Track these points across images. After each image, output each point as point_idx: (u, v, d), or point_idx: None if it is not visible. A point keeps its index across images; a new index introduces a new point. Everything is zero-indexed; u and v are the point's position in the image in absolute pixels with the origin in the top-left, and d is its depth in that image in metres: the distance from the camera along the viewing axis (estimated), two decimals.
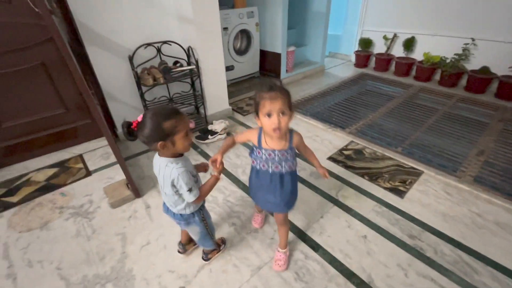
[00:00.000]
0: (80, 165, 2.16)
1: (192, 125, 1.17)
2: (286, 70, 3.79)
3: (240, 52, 3.59)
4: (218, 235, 1.50)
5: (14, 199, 1.84)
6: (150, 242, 1.50)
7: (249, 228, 1.57)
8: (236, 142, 1.20)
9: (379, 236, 1.51)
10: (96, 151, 2.33)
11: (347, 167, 2.06)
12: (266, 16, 3.50)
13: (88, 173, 2.07)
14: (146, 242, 1.50)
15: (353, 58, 4.61)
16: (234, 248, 1.46)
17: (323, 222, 1.60)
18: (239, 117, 2.92)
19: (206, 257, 1.37)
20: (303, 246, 1.45)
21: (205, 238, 1.22)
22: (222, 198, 1.79)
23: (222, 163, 1.07)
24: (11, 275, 1.34)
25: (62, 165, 2.16)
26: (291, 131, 1.11)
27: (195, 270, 1.35)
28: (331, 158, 2.17)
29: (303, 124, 2.72)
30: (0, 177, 2.05)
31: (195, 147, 2.35)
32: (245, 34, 3.53)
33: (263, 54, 3.80)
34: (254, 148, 1.13)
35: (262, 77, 3.96)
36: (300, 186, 1.88)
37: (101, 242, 1.51)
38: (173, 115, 0.92)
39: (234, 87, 3.58)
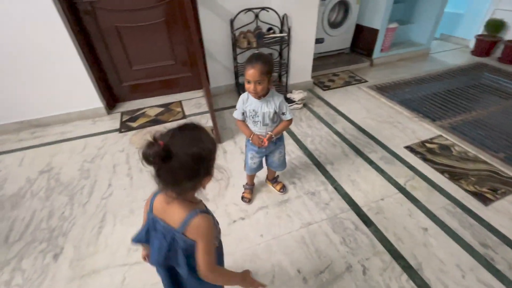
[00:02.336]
0: (179, 109, 2.64)
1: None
2: (381, 49, 3.47)
3: (334, 25, 3.44)
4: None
5: (134, 124, 2.43)
6: (222, 179, 1.80)
7: (307, 189, 1.70)
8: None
9: (442, 233, 1.42)
10: (192, 100, 2.78)
11: (425, 159, 1.90)
12: None
13: (184, 116, 2.52)
14: (220, 178, 1.81)
15: (471, 43, 3.83)
16: (291, 202, 1.62)
17: (382, 204, 1.59)
18: (318, 91, 2.92)
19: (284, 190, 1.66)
20: (355, 218, 1.51)
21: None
22: (288, 159, 1.95)
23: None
24: (129, 175, 1.87)
25: (166, 107, 2.69)
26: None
27: (254, 209, 1.59)
28: (408, 147, 2.02)
29: (385, 108, 2.55)
30: (126, 107, 2.71)
31: None
32: (343, 5, 3.34)
33: (359, 29, 3.55)
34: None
35: (353, 53, 3.74)
36: (366, 166, 1.87)
37: None
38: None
39: (320, 60, 3.52)
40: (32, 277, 1.27)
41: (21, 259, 1.35)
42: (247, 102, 1.28)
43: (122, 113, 2.60)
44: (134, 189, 1.75)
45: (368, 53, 3.52)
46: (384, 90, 2.87)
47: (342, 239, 1.40)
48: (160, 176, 0.59)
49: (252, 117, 1.29)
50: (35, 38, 2.04)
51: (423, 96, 2.75)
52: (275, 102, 1.26)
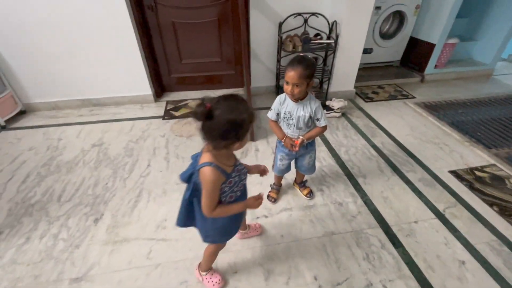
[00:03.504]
0: None
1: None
2: (436, 65, 3.24)
3: (386, 36, 3.31)
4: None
5: (176, 114, 2.60)
6: (250, 176, 1.84)
7: (335, 199, 1.66)
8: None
9: (482, 270, 1.28)
10: None
11: (472, 188, 1.73)
12: None
13: None
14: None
15: None
16: (316, 209, 1.60)
17: (415, 227, 1.49)
18: (360, 101, 2.83)
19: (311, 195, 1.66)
20: (383, 237, 1.43)
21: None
22: (318, 166, 1.92)
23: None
24: (167, 159, 2.00)
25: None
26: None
27: (278, 209, 1.60)
28: (454, 172, 1.86)
29: (432, 128, 2.37)
30: (172, 97, 2.91)
31: None
32: (398, 16, 3.20)
33: (412, 42, 3.35)
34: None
35: (403, 68, 3.55)
36: (402, 185, 1.77)
37: None
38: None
39: (366, 71, 3.41)
40: (75, 235, 1.44)
41: (68, 218, 1.54)
42: (283, 104, 1.30)
43: (167, 102, 2.79)
44: (169, 172, 1.87)
45: (420, 68, 3.31)
46: (433, 108, 2.68)
47: (365, 255, 1.34)
48: (202, 130, 0.75)
49: (287, 120, 1.31)
50: (103, 25, 2.30)
51: (479, 120, 2.50)
52: (311, 106, 1.26)
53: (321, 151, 2.07)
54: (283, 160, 1.48)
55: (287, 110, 1.29)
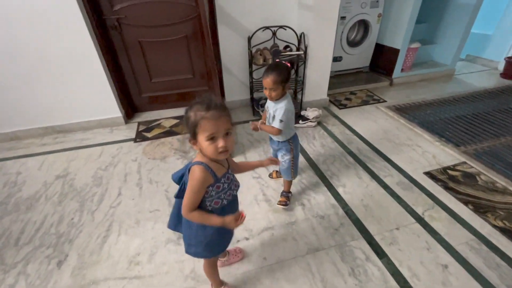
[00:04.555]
0: None
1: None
2: (402, 69, 3.38)
3: (353, 43, 3.42)
4: (286, 209, 1.64)
5: (149, 135, 2.49)
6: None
7: (316, 212, 1.63)
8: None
9: (465, 272, 1.29)
10: None
11: (447, 188, 1.77)
12: (392, 6, 3.17)
13: None
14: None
15: (501, 65, 3.65)
16: (298, 225, 1.56)
17: (397, 234, 1.48)
18: (334, 109, 2.87)
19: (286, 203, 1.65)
20: (366, 248, 1.41)
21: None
22: (298, 179, 1.89)
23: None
24: (139, 185, 1.89)
25: (181, 118, 2.74)
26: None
27: (260, 229, 1.53)
28: (428, 174, 1.90)
29: (404, 130, 2.44)
30: (143, 117, 2.79)
31: None
32: (363, 25, 3.33)
33: (378, 48, 3.50)
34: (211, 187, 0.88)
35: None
36: (381, 191, 1.77)
37: None
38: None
39: (337, 78, 3.49)
40: (35, 283, 1.29)
41: (27, 264, 1.38)
42: (267, 101, 1.44)
43: (139, 123, 2.68)
44: (142, 199, 1.76)
45: (388, 72, 3.44)
46: (403, 111, 2.77)
47: (351, 270, 1.31)
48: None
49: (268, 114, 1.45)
50: (63, 48, 2.17)
51: (446, 119, 2.61)
52: (278, 106, 1.35)
53: (300, 162, 2.05)
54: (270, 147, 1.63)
55: (266, 105, 1.45)
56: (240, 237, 1.48)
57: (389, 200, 1.70)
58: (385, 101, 3.01)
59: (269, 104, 1.41)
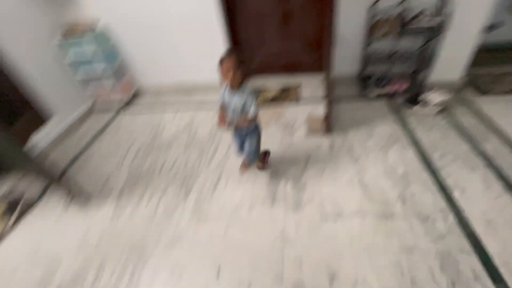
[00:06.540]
0: (296, 91, 2.72)
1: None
2: None
3: None
4: None
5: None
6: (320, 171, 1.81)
7: (419, 212, 1.48)
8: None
9: None
10: (311, 83, 2.80)
11: None
12: None
13: (297, 99, 2.60)
14: (321, 170, 1.82)
15: None
16: (394, 220, 1.47)
17: None
18: (471, 94, 2.30)
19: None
20: (478, 268, 1.22)
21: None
22: (402, 170, 1.72)
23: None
24: None
25: (285, 87, 2.83)
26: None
27: (351, 211, 1.53)
28: None
29: None
30: (250, 83, 3.03)
31: (394, 112, 2.23)
32: None
33: None
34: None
35: None
36: None
37: (292, 153, 2.00)
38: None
39: (491, 53, 2.66)
40: (171, 203, 1.76)
41: (166, 187, 1.88)
42: (224, 93, 1.47)
43: None
44: None
45: None
46: None
47: (451, 283, 1.18)
48: None
49: (226, 107, 1.49)
50: (199, 18, 2.53)
51: None
52: (244, 94, 1.39)
53: (408, 152, 1.84)
54: (235, 139, 1.68)
55: (223, 103, 1.48)
56: (330, 216, 1.53)
57: None
58: None
59: (231, 99, 1.41)
